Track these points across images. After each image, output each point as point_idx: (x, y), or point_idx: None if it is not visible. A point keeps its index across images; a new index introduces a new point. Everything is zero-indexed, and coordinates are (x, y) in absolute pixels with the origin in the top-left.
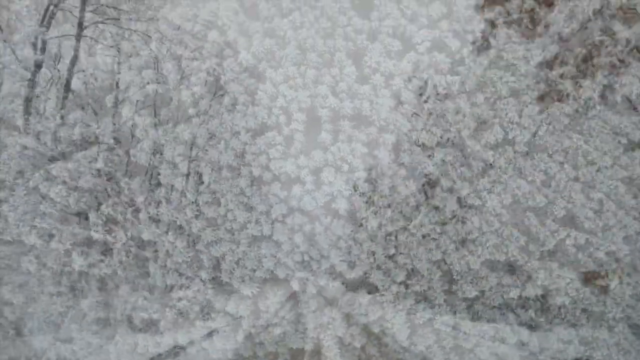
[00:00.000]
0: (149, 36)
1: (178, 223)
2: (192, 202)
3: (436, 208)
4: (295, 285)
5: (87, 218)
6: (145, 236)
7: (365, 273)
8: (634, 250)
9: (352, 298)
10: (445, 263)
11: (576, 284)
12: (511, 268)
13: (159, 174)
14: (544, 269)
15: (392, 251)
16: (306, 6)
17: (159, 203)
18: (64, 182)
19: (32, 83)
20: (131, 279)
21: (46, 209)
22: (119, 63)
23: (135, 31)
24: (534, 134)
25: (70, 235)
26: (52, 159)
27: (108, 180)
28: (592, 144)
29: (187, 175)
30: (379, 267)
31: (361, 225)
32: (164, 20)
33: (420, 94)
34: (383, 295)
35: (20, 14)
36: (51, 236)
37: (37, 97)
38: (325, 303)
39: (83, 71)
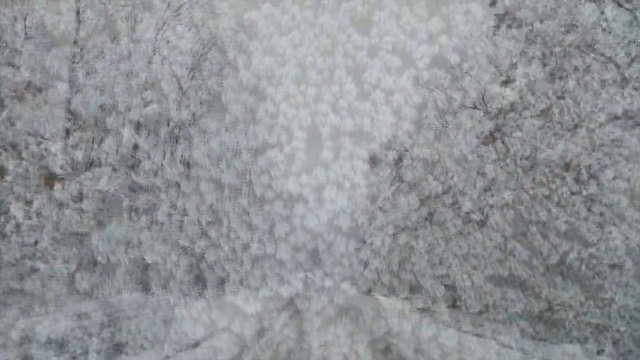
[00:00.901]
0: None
1: (181, 243)
2: (195, 222)
3: (439, 224)
4: (299, 285)
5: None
6: (149, 257)
7: (369, 290)
8: (638, 263)
9: (356, 314)
10: (449, 278)
11: (580, 298)
12: (515, 282)
13: (161, 194)
14: (548, 283)
15: (396, 268)
16: (305, 24)
17: (162, 224)
18: (67, 205)
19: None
20: (135, 299)
21: (49, 232)
22: (118, 84)
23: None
24: (535, 148)
25: (74, 257)
26: (55, 181)
27: (111, 201)
28: (594, 157)
29: (190, 195)
30: (382, 284)
31: (364, 242)
32: (162, 40)
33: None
34: (386, 310)
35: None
36: (55, 258)
37: (38, 119)
38: (330, 320)
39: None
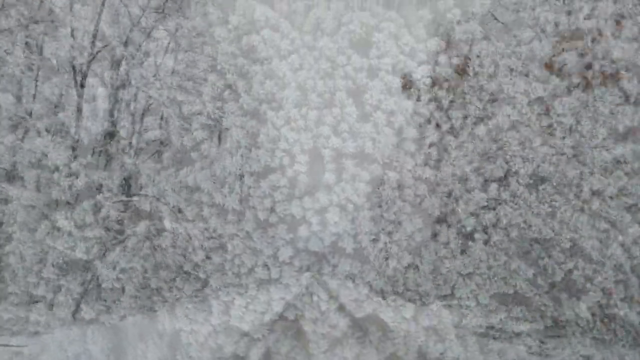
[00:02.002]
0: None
1: (185, 269)
2: (199, 248)
3: (443, 243)
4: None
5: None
6: (154, 283)
7: (374, 310)
8: None
9: (362, 335)
10: (454, 297)
11: (586, 314)
12: (520, 300)
13: (163, 220)
14: (553, 300)
15: (401, 288)
16: (304, 48)
17: (165, 249)
18: (70, 233)
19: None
20: (139, 324)
21: (53, 260)
22: (119, 110)
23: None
24: (537, 166)
25: (78, 285)
26: (57, 209)
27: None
28: (597, 175)
29: (193, 220)
30: (387, 305)
31: (368, 263)
32: (163, 66)
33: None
34: (393, 331)
35: None
36: (59, 286)
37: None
38: (335, 342)
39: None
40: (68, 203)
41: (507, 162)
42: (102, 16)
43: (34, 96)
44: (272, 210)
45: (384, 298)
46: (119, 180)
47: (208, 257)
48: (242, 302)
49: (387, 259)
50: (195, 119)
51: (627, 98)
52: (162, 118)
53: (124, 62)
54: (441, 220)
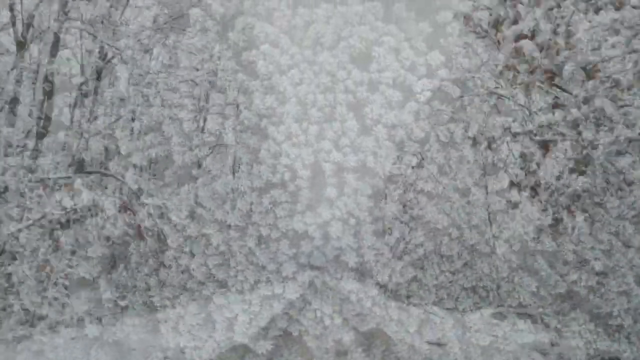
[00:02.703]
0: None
1: (189, 286)
2: (202, 265)
3: (446, 257)
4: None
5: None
6: (157, 301)
7: (378, 324)
8: None
9: (367, 349)
10: (458, 311)
11: (589, 326)
12: (524, 313)
13: (166, 237)
14: (557, 312)
15: (405, 303)
16: (305, 63)
17: (169, 267)
18: (73, 252)
19: (36, 153)
20: (143, 341)
21: (56, 279)
22: (120, 127)
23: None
24: (539, 178)
25: (82, 304)
26: (60, 228)
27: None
28: (599, 185)
29: (195, 237)
30: (391, 319)
31: (372, 277)
32: (162, 83)
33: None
34: (397, 344)
35: None
36: (64, 305)
37: (41, 167)
38: (340, 355)
39: (84, 136)
40: (70, 221)
41: (507, 174)
42: (100, 34)
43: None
44: (274, 225)
45: (387, 312)
46: (120, 198)
47: (211, 274)
48: (246, 318)
49: (390, 273)
50: (196, 135)
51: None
52: (162, 135)
53: (123, 80)
54: (443, 233)
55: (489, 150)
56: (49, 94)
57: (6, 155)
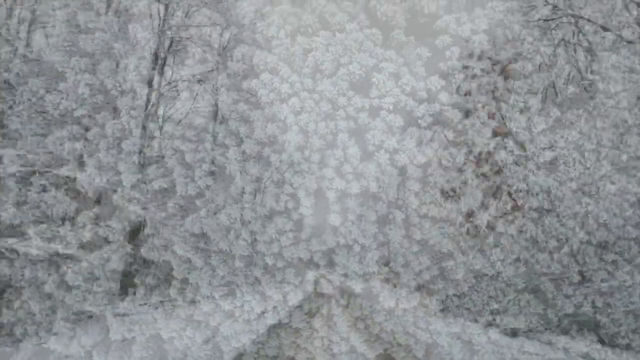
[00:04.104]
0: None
1: (195, 318)
2: (207, 297)
3: (452, 281)
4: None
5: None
6: (164, 333)
7: (386, 350)
8: None
9: None
10: (466, 334)
11: (597, 346)
12: (531, 334)
13: (172, 269)
14: (564, 332)
15: (412, 329)
16: (305, 91)
17: (174, 299)
18: (78, 286)
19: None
20: None
21: (62, 313)
22: (122, 161)
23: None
24: (542, 200)
25: (89, 337)
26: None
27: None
28: (603, 206)
29: (201, 268)
30: (399, 344)
31: (378, 303)
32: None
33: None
34: None
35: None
36: (70, 338)
37: (45, 202)
38: None
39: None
40: (75, 256)
41: (511, 196)
42: (101, 67)
43: (34, 150)
44: (279, 254)
45: (394, 338)
46: (124, 231)
47: (217, 305)
48: (254, 348)
49: (397, 299)
50: (199, 166)
51: (629, 128)
52: (165, 167)
53: (125, 113)
54: (448, 257)
55: (491, 174)
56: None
57: (10, 190)
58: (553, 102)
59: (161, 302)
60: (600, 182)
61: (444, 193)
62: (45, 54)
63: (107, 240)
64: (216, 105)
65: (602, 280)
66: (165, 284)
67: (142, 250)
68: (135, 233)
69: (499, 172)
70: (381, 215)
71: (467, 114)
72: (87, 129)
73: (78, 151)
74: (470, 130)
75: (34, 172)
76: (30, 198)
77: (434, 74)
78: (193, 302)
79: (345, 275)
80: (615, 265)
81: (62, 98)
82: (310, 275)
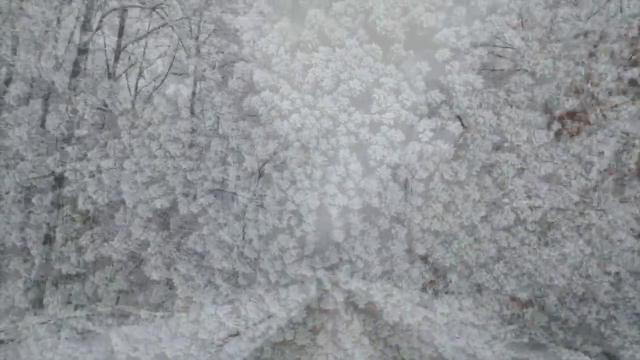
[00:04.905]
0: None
1: (200, 336)
2: (212, 315)
3: (455, 295)
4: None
5: None
6: (169, 352)
7: None
8: None
9: None
10: (470, 347)
11: (602, 358)
12: (536, 348)
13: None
14: (568, 345)
15: (416, 344)
16: (305, 107)
17: (179, 318)
18: (82, 306)
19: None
20: None
21: (68, 334)
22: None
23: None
24: (545, 213)
25: (93, 357)
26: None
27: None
28: (605, 219)
29: (205, 286)
30: (403, 358)
31: (381, 318)
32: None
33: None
34: None
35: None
36: (76, 358)
37: (48, 224)
38: None
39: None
40: (78, 276)
41: (514, 210)
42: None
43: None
44: (282, 272)
45: (399, 353)
46: (127, 251)
47: (221, 324)
48: None
49: (400, 314)
50: (200, 184)
51: (629, 140)
52: (166, 186)
53: (125, 132)
54: (451, 272)
55: (493, 187)
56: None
57: (12, 212)
58: (553, 115)
59: (166, 321)
60: (602, 194)
61: (446, 207)
62: (46, 74)
63: (110, 260)
64: (217, 122)
65: (605, 293)
66: (169, 303)
67: (145, 269)
68: (136, 252)
69: (501, 185)
70: (384, 230)
71: (468, 127)
72: (88, 149)
73: (80, 171)
74: (472, 144)
75: (35, 193)
76: (33, 219)
77: (434, 88)
78: (197, 320)
79: (349, 291)
80: (619, 277)
81: (63, 118)
82: (313, 290)
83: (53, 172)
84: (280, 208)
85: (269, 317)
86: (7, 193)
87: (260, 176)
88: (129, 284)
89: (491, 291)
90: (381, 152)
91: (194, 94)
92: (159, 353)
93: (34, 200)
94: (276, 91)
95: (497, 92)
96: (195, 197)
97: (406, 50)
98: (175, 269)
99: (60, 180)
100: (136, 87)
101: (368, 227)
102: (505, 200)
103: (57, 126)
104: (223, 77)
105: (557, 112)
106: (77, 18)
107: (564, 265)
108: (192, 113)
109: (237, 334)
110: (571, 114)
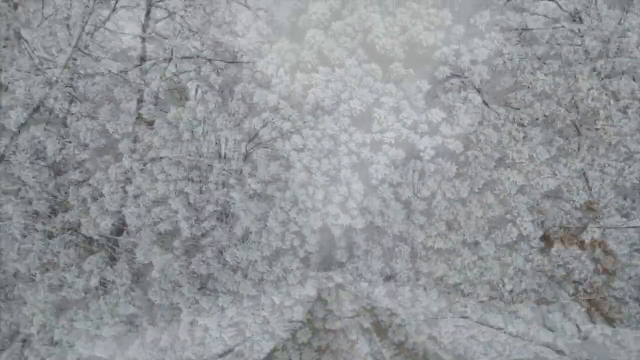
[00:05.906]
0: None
1: (204, 357)
2: (218, 339)
3: (460, 314)
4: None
5: None
6: None
7: None
8: None
9: None
10: None
11: None
12: None
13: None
14: None
15: None
16: (306, 128)
17: (184, 341)
18: (87, 333)
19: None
20: None
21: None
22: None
23: (140, 170)
24: (547, 229)
25: None
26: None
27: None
28: (608, 235)
29: (209, 309)
30: None
31: (387, 337)
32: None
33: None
34: None
35: None
36: None
37: (50, 249)
38: None
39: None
40: (83, 300)
41: (516, 227)
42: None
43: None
44: (287, 293)
45: None
46: (131, 275)
47: (227, 345)
48: None
49: (405, 333)
50: (203, 207)
51: (631, 155)
52: (169, 209)
53: (127, 157)
54: (456, 289)
55: (496, 204)
56: (55, 175)
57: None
58: (555, 130)
59: (171, 344)
60: (605, 209)
61: (449, 225)
62: (47, 100)
63: (114, 284)
64: (218, 144)
65: (610, 308)
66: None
67: (149, 293)
68: (141, 277)
69: (503, 202)
70: (387, 248)
71: (469, 145)
72: (90, 174)
73: (82, 196)
74: (474, 162)
75: (38, 219)
76: (35, 246)
77: (435, 106)
78: (203, 342)
79: (354, 310)
80: (624, 292)
81: (64, 143)
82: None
83: (55, 197)
84: (283, 229)
85: (274, 339)
86: (9, 219)
87: (261, 196)
88: (134, 307)
89: (496, 308)
90: (383, 171)
91: (194, 116)
92: None
93: (36, 226)
94: (277, 112)
95: (497, 109)
96: (198, 220)
97: (406, 69)
98: (180, 292)
99: (62, 205)
100: (137, 111)
101: (371, 246)
102: (508, 217)
103: (58, 151)
104: (223, 100)
105: (558, 128)
106: (74, 45)
107: (569, 282)
108: (194, 136)
109: (243, 356)
110: (572, 130)
